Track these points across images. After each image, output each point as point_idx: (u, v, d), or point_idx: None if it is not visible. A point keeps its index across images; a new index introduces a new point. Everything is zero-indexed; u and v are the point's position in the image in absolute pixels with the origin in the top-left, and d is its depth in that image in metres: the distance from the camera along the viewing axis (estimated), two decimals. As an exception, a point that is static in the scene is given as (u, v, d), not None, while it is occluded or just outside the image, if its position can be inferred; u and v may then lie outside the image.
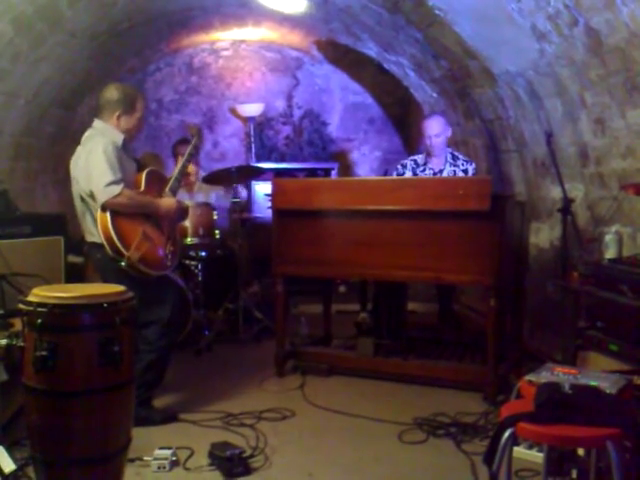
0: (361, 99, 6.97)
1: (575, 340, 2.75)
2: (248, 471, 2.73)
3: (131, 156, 3.38)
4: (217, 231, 4.87)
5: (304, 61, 6.85)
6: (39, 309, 2.23)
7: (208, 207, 4.85)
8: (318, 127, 6.87)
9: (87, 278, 4.04)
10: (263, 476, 2.73)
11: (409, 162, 4.59)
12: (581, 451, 2.42)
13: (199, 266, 4.82)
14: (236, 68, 6.80)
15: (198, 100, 6.77)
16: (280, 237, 3.94)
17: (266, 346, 4.51)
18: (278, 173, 6.23)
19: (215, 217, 4.87)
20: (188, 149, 3.59)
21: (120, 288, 2.45)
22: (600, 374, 2.17)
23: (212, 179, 4.88)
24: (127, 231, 3.06)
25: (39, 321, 2.21)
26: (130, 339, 2.41)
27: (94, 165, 3.04)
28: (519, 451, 2.76)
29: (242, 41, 6.68)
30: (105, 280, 3.11)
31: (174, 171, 3.51)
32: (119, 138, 3.22)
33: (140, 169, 3.36)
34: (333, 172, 6.50)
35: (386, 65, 5.85)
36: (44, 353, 2.20)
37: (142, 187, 3.25)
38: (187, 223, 4.58)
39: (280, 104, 6.85)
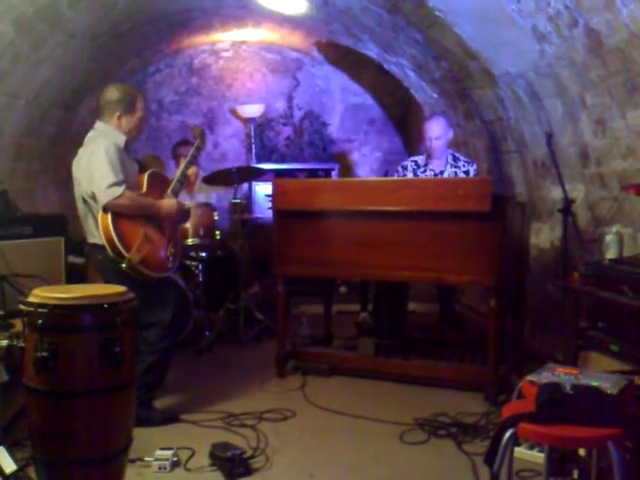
0: (361, 100, 6.98)
1: (576, 340, 2.75)
2: (249, 472, 2.73)
3: (133, 157, 3.38)
4: (218, 232, 4.87)
5: (304, 62, 6.86)
6: (40, 310, 2.23)
7: (209, 208, 4.86)
8: (318, 128, 6.87)
9: (88, 279, 4.04)
10: (264, 476, 2.73)
11: (409, 163, 4.59)
12: (582, 451, 2.42)
13: (200, 267, 4.82)
14: (236, 69, 6.80)
15: (198, 101, 6.77)
16: (281, 238, 3.94)
17: (267, 346, 4.51)
18: (278, 174, 6.24)
19: (216, 218, 4.88)
20: (191, 151, 3.59)
21: (121, 289, 2.46)
22: (601, 374, 2.17)
23: (213, 180, 4.89)
24: (128, 233, 3.07)
25: (40, 322, 2.21)
26: (131, 340, 2.41)
27: (96, 166, 3.04)
28: (520, 451, 2.76)
29: (242, 42, 6.68)
30: (107, 281, 3.11)
31: (176, 173, 3.51)
32: (121, 139, 3.22)
33: (142, 171, 3.36)
34: (333, 173, 6.50)
35: (386, 66, 5.85)
36: (45, 354, 2.20)
37: (144, 189, 3.25)
38: (188, 224, 4.59)
39: (280, 105, 6.86)
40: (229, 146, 6.85)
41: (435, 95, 5.52)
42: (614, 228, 3.14)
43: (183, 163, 3.52)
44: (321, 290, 4.56)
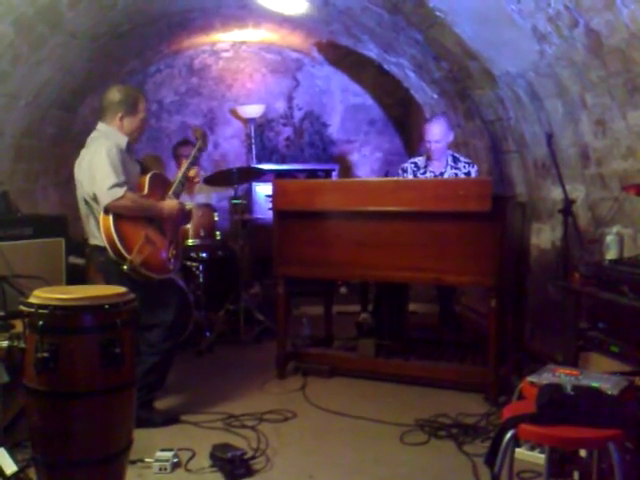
0: (361, 100, 6.98)
1: (576, 341, 2.75)
2: (249, 473, 2.73)
3: (135, 159, 3.38)
4: (218, 232, 4.87)
5: (304, 62, 6.85)
6: (40, 311, 2.23)
7: (209, 208, 4.86)
8: (319, 128, 6.87)
9: (88, 280, 4.04)
10: (264, 478, 2.73)
11: (409, 165, 4.58)
12: (583, 452, 2.42)
13: (200, 267, 4.82)
14: (236, 69, 6.80)
15: (199, 101, 6.77)
16: (281, 238, 3.94)
17: (267, 347, 4.51)
18: (279, 174, 6.24)
19: (216, 218, 4.88)
20: (192, 152, 3.59)
21: (121, 289, 2.46)
22: (601, 375, 2.17)
23: (213, 180, 4.89)
24: (129, 234, 3.07)
25: (40, 323, 2.22)
26: (131, 340, 2.41)
27: (97, 167, 3.04)
28: (521, 452, 2.76)
29: (242, 42, 6.68)
30: (108, 283, 3.10)
31: (177, 174, 3.51)
32: (123, 141, 3.22)
33: (144, 172, 3.36)
34: (334, 173, 6.50)
35: (386, 66, 5.85)
36: (45, 355, 2.20)
37: (145, 190, 3.25)
38: (188, 224, 4.58)
39: (281, 105, 6.86)
40: (229, 146, 6.85)
41: (435, 95, 5.52)
42: (614, 229, 3.14)
43: (185, 165, 3.52)
44: (321, 291, 4.56)
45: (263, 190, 5.98)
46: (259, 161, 6.61)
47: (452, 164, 4.46)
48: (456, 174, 4.43)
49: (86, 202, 3.17)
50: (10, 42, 3.57)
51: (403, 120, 6.99)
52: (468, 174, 4.44)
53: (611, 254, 2.91)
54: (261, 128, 6.77)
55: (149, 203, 3.22)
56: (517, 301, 4.00)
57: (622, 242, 2.96)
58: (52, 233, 3.81)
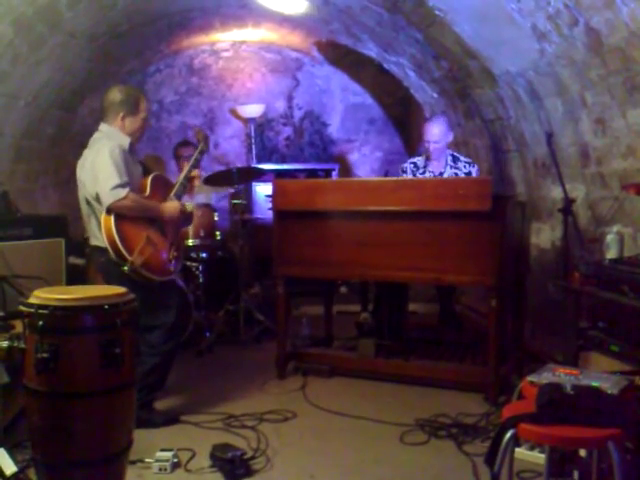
0: (361, 100, 6.97)
1: (576, 341, 2.74)
2: (249, 473, 2.73)
3: (137, 160, 3.38)
4: (218, 232, 4.87)
5: (304, 62, 6.85)
6: (40, 311, 2.23)
7: (209, 208, 4.86)
8: (319, 128, 6.87)
9: (88, 280, 4.04)
10: (264, 478, 2.73)
11: (409, 165, 4.57)
12: (583, 452, 2.41)
13: (200, 267, 4.82)
14: (236, 69, 6.80)
15: (198, 101, 6.77)
16: (281, 238, 3.94)
17: (267, 347, 4.51)
18: (279, 174, 6.24)
19: (216, 218, 4.88)
20: (194, 154, 3.59)
21: (121, 290, 2.45)
22: (601, 375, 2.17)
23: (213, 180, 4.88)
24: (131, 235, 3.06)
25: (40, 323, 2.21)
26: (131, 341, 2.41)
27: (100, 168, 3.04)
28: (521, 452, 2.76)
29: (242, 42, 6.68)
30: (108, 284, 3.10)
31: (179, 176, 3.50)
32: (125, 141, 3.22)
33: (145, 173, 3.37)
34: (334, 173, 6.49)
35: (386, 66, 5.85)
36: (45, 355, 2.20)
37: (147, 191, 3.25)
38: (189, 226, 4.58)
39: (280, 105, 6.85)
40: (229, 146, 6.85)
41: (435, 94, 5.51)
42: (615, 228, 3.14)
43: (187, 167, 3.51)
44: (321, 291, 4.56)
45: (263, 190, 5.98)
46: (259, 161, 6.61)
47: (452, 164, 4.44)
48: (456, 174, 4.41)
49: (88, 202, 3.17)
50: (9, 42, 3.57)
51: (403, 119, 6.99)
52: (469, 174, 4.42)
53: (611, 253, 2.91)
54: (261, 128, 6.77)
55: (151, 204, 3.22)
56: (517, 301, 3.99)
57: (622, 241, 2.96)
58: (52, 233, 3.81)
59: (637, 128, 3.05)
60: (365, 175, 6.89)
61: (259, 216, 5.55)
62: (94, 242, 3.21)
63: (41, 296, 2.29)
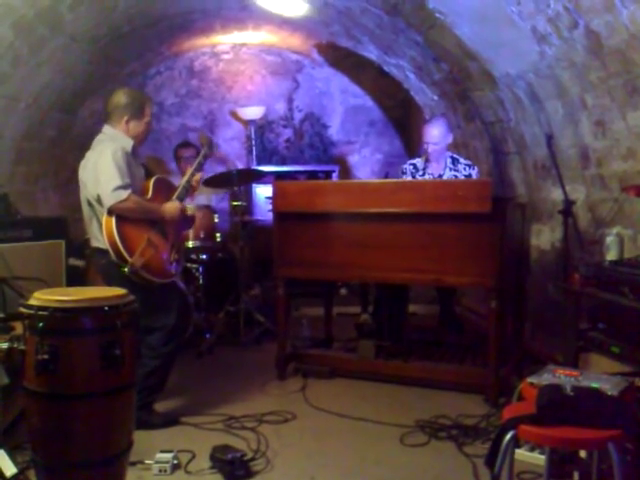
0: (362, 102, 6.98)
1: (577, 342, 2.75)
2: (249, 474, 2.72)
3: (139, 162, 3.38)
4: (218, 234, 4.87)
5: (304, 64, 6.86)
6: (40, 313, 2.23)
7: (209, 210, 4.86)
8: (319, 130, 6.87)
9: (89, 281, 4.04)
10: (264, 479, 2.73)
11: (408, 167, 4.56)
12: (583, 453, 2.42)
13: (200, 269, 4.82)
14: (237, 71, 6.81)
15: (199, 103, 6.78)
16: (281, 240, 3.94)
17: (267, 349, 4.51)
18: (279, 176, 6.24)
19: (216, 220, 4.88)
20: (198, 159, 3.59)
21: (121, 291, 2.45)
22: (602, 376, 2.17)
23: (213, 182, 4.89)
24: (132, 237, 3.06)
25: (40, 324, 2.21)
26: (131, 342, 2.41)
27: (102, 169, 3.04)
28: (521, 453, 2.76)
29: (243, 44, 6.69)
30: (109, 286, 3.10)
31: (182, 180, 3.50)
32: (128, 144, 3.22)
33: (148, 176, 3.37)
34: (334, 175, 6.50)
35: (386, 68, 5.86)
36: (45, 356, 2.19)
37: (149, 194, 3.25)
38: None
39: (281, 107, 6.86)
40: (229, 148, 6.86)
41: (435, 97, 5.52)
42: (614, 229, 3.14)
43: (190, 170, 3.51)
44: (321, 292, 4.56)
45: (263, 192, 5.98)
46: (259, 163, 6.61)
47: (451, 166, 4.43)
48: (455, 176, 4.40)
49: (89, 204, 3.17)
50: (10, 44, 3.57)
51: (403, 121, 6.99)
52: (469, 176, 4.39)
53: (611, 255, 2.92)
54: (261, 130, 6.78)
55: (152, 206, 3.22)
56: (517, 302, 3.99)
57: (622, 243, 2.97)
58: (52, 235, 3.81)
59: (637, 130, 3.06)
60: (365, 177, 6.89)
61: (259, 218, 5.55)
62: (95, 244, 3.21)
63: (41, 298, 2.29)
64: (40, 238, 3.73)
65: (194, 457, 2.87)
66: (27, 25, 3.57)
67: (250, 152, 6.72)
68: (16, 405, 2.80)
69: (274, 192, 3.95)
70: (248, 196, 6.23)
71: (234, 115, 6.78)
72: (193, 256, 4.84)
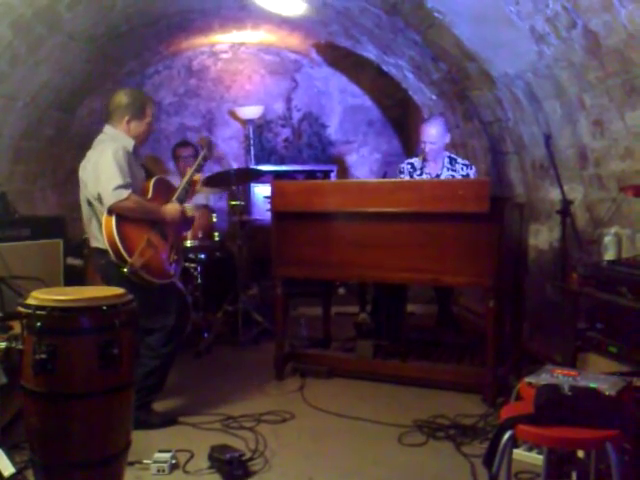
0: (360, 101, 6.98)
1: (574, 342, 2.75)
2: (248, 474, 2.72)
3: (140, 163, 3.38)
4: (216, 233, 4.87)
5: (303, 64, 6.86)
6: (38, 312, 2.22)
7: (207, 209, 4.86)
8: (317, 129, 6.87)
9: (87, 281, 4.04)
10: (263, 479, 2.73)
11: (406, 166, 4.56)
12: (581, 453, 2.42)
13: (198, 268, 4.82)
14: (235, 71, 6.80)
15: (197, 103, 6.77)
16: (279, 239, 3.94)
17: (265, 348, 4.51)
18: (277, 175, 6.24)
19: (214, 219, 4.88)
20: (197, 160, 3.60)
21: (120, 291, 2.45)
22: (599, 376, 2.17)
23: (211, 182, 4.88)
24: (131, 237, 3.06)
25: (38, 324, 2.21)
26: (130, 342, 2.40)
27: (103, 168, 3.04)
28: (519, 453, 2.76)
29: (241, 44, 6.69)
30: (108, 286, 3.10)
31: (182, 181, 3.50)
32: (130, 144, 3.21)
33: (148, 177, 3.37)
34: (332, 174, 6.50)
35: (385, 67, 5.86)
36: (43, 356, 2.19)
37: (149, 194, 3.25)
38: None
39: (279, 107, 6.86)
40: (228, 148, 6.85)
41: (434, 96, 5.52)
42: (613, 229, 3.15)
43: (189, 172, 3.51)
44: (320, 292, 4.56)
45: (261, 191, 5.99)
46: (257, 162, 6.61)
47: (449, 166, 4.43)
48: (453, 176, 4.40)
49: (89, 203, 3.16)
50: (8, 43, 3.57)
51: (402, 121, 6.99)
52: (466, 176, 4.40)
53: (609, 255, 2.92)
54: (260, 129, 6.78)
55: (152, 206, 3.21)
56: (515, 302, 4.00)
57: (620, 243, 2.97)
58: (50, 234, 3.81)
59: (635, 130, 3.06)
60: (363, 177, 6.89)
61: (257, 217, 5.55)
62: (94, 244, 3.21)
63: (39, 297, 2.29)
64: (38, 237, 3.73)
65: (192, 457, 2.87)
66: (25, 24, 3.57)
67: (248, 151, 6.72)
68: (14, 405, 2.80)
69: (272, 192, 3.95)
70: (246, 196, 6.22)
71: (232, 114, 6.77)
72: (191, 255, 4.84)
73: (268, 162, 6.66)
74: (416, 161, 4.54)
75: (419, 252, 3.58)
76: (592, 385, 2.03)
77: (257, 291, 5.43)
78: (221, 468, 2.72)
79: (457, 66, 4.52)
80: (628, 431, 1.93)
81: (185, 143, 5.56)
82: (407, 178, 4.48)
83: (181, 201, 3.37)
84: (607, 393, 1.99)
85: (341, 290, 6.17)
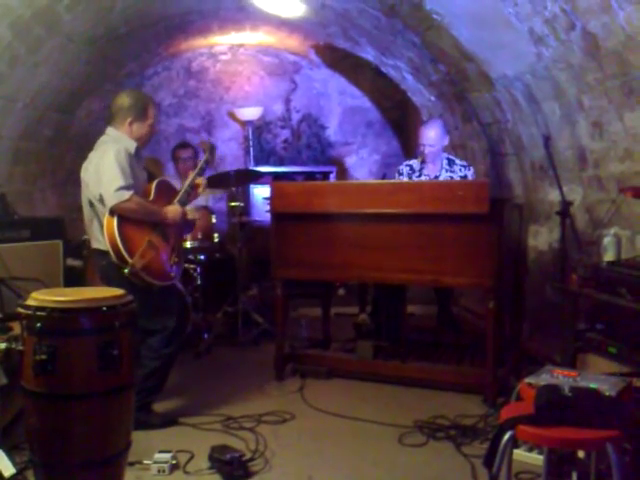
0: (359, 103, 6.98)
1: (574, 342, 2.75)
2: (248, 474, 2.73)
3: (142, 164, 3.38)
4: (216, 234, 4.87)
5: (302, 65, 6.86)
6: (38, 313, 2.23)
7: (207, 210, 4.86)
8: (316, 131, 6.88)
9: (86, 282, 4.04)
10: (263, 479, 2.73)
11: (404, 168, 4.57)
12: (581, 453, 2.42)
13: (198, 269, 4.82)
14: (234, 72, 6.80)
15: (196, 104, 6.77)
16: (279, 240, 3.94)
17: (265, 349, 4.51)
18: (277, 177, 6.23)
19: (214, 220, 4.88)
20: (199, 164, 3.60)
21: (119, 292, 2.45)
22: (599, 376, 2.18)
23: (211, 183, 4.87)
24: (133, 238, 3.06)
25: (38, 325, 2.21)
26: (130, 343, 2.41)
27: (105, 169, 3.04)
28: (519, 454, 2.76)
29: (240, 45, 6.69)
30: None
31: (184, 184, 3.50)
32: (132, 145, 3.21)
33: (150, 179, 3.37)
34: (331, 175, 6.51)
35: (384, 69, 5.86)
36: (43, 357, 2.20)
37: (151, 196, 3.25)
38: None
39: (278, 108, 6.86)
40: (227, 149, 6.85)
41: (432, 98, 5.53)
42: (612, 230, 3.15)
43: (192, 175, 3.52)
44: (320, 293, 4.56)
45: (261, 192, 5.98)
46: (257, 163, 6.61)
47: (447, 167, 4.44)
48: (451, 177, 4.41)
49: (91, 204, 3.16)
50: (7, 44, 3.57)
51: (401, 122, 7.00)
52: (464, 177, 4.41)
53: (609, 256, 2.92)
54: (259, 130, 6.78)
55: (154, 208, 3.21)
56: (515, 302, 4.00)
57: (619, 244, 2.97)
58: (50, 235, 3.80)
59: (634, 131, 3.07)
60: (363, 178, 6.89)
61: (257, 218, 5.55)
62: (95, 245, 3.21)
63: (39, 298, 2.29)
64: (38, 238, 3.72)
65: (193, 457, 2.87)
66: (24, 25, 3.57)
67: (248, 153, 6.72)
68: (14, 405, 2.80)
69: (272, 193, 3.95)
70: (246, 197, 6.23)
71: (232, 116, 6.78)
72: (191, 256, 4.84)
73: (267, 163, 6.67)
74: (414, 163, 4.55)
75: (419, 253, 3.59)
76: (592, 386, 2.04)
77: (257, 292, 5.44)
78: (221, 468, 2.72)
79: (456, 67, 4.52)
80: (628, 431, 1.93)
81: (185, 145, 5.56)
82: (407, 180, 4.49)
83: (183, 204, 3.37)
84: (607, 394, 1.99)
85: (341, 291, 6.17)
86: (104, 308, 2.30)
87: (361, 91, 6.95)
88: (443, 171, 4.44)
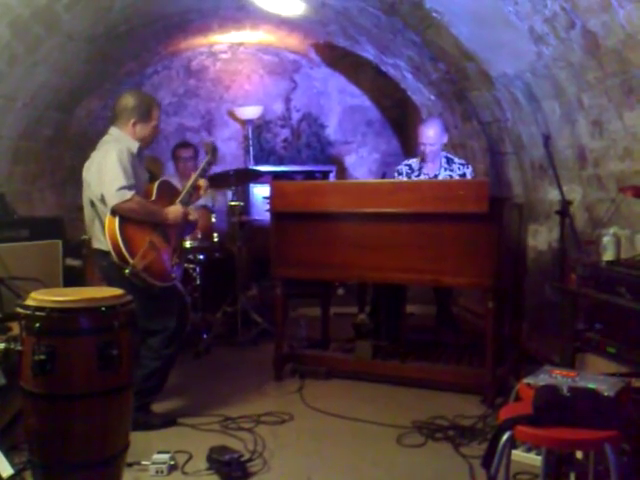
0: (359, 102, 6.98)
1: (573, 342, 2.75)
2: (246, 475, 2.73)
3: (144, 165, 3.37)
4: (216, 234, 4.87)
5: (302, 64, 6.85)
6: (37, 313, 2.23)
7: (206, 210, 4.86)
8: (316, 130, 6.87)
9: (86, 282, 4.03)
10: (262, 480, 2.73)
11: (404, 167, 4.57)
12: (579, 454, 2.42)
13: (197, 269, 4.82)
14: (234, 71, 6.80)
15: (196, 103, 6.77)
16: (279, 240, 3.94)
17: (264, 349, 4.51)
18: (276, 176, 6.23)
19: (213, 220, 4.87)
20: (201, 165, 3.60)
21: (119, 292, 2.45)
22: (598, 376, 2.18)
23: (210, 182, 4.87)
24: (134, 238, 3.05)
25: (37, 325, 2.21)
26: (129, 343, 2.40)
27: (107, 169, 3.03)
28: (517, 454, 2.76)
29: (240, 44, 6.68)
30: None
31: (186, 185, 3.50)
32: (134, 146, 3.21)
33: (151, 180, 3.36)
34: (331, 175, 6.50)
35: (384, 68, 5.86)
36: (42, 357, 2.19)
37: (153, 197, 3.25)
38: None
39: (278, 107, 6.86)
40: (227, 148, 6.84)
41: (432, 97, 5.52)
42: (611, 230, 3.14)
43: (194, 175, 3.52)
44: (319, 292, 4.56)
45: (261, 192, 5.98)
46: (257, 163, 6.61)
47: (446, 166, 4.45)
48: (450, 176, 4.42)
49: (92, 204, 3.15)
50: (7, 43, 3.56)
51: (400, 121, 6.99)
52: (463, 175, 4.43)
53: (608, 255, 2.92)
54: (259, 129, 6.77)
55: (155, 208, 3.21)
56: (514, 302, 4.00)
57: (619, 243, 2.97)
58: (49, 235, 3.80)
59: (634, 130, 3.06)
60: (362, 177, 6.88)
61: (257, 218, 5.55)
62: (96, 245, 3.20)
63: (38, 298, 2.29)
64: (37, 238, 3.72)
65: (191, 458, 2.87)
66: (23, 24, 3.57)
67: (247, 152, 6.71)
68: (13, 406, 2.80)
69: (272, 192, 3.95)
70: (245, 196, 6.23)
71: (231, 115, 6.77)
72: (190, 256, 4.84)
73: (267, 163, 6.66)
74: (414, 162, 4.55)
75: (418, 252, 3.58)
76: (591, 386, 2.04)
77: (256, 292, 5.43)
78: (220, 469, 2.72)
79: (456, 66, 4.52)
80: (627, 432, 1.93)
81: (185, 144, 5.56)
82: (406, 179, 4.49)
83: (185, 204, 3.37)
84: (606, 394, 1.99)
85: (340, 291, 6.16)
86: (103, 308, 2.30)
87: (361, 90, 6.94)
88: (442, 170, 4.44)
